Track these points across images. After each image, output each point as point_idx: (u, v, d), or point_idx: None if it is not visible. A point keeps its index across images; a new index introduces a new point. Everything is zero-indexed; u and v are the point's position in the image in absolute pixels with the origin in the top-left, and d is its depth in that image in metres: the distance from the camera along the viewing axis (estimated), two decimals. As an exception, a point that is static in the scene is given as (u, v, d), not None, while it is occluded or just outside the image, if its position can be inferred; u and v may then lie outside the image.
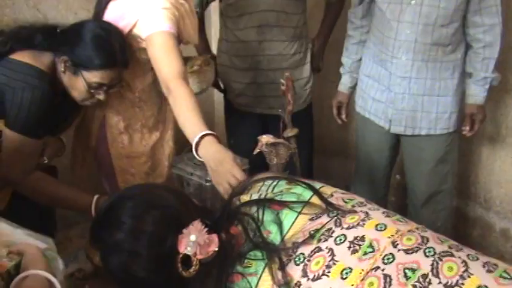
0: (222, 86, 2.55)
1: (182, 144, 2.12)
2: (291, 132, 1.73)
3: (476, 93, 2.12)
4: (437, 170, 2.23)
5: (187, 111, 1.50)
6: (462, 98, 2.17)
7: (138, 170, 1.88)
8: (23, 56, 1.58)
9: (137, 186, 1.32)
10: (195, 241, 1.06)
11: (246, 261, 1.08)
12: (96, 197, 1.67)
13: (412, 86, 2.10)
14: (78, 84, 1.65)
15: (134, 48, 1.75)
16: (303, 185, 1.21)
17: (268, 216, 1.13)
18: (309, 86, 2.49)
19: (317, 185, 1.23)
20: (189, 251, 1.06)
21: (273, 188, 1.23)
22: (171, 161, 1.95)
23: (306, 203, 1.15)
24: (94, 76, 1.64)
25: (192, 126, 1.46)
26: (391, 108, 2.17)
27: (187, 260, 1.08)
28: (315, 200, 1.16)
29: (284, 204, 1.15)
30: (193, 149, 1.42)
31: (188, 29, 1.77)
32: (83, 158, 1.92)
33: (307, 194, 1.17)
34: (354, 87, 2.39)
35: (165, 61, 1.60)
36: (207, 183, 1.85)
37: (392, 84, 2.14)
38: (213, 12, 2.94)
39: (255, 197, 1.21)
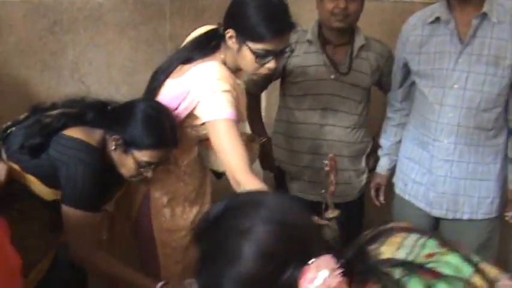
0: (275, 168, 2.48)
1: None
2: (332, 213, 1.69)
3: (519, 179, 2.08)
4: (478, 257, 2.15)
5: None
6: (505, 183, 2.13)
7: (178, 243, 1.85)
8: (75, 132, 1.62)
9: (255, 193, 1.12)
10: (324, 279, 0.86)
11: None
12: (160, 284, 1.66)
13: (454, 169, 2.07)
14: (128, 162, 1.67)
15: (186, 125, 1.75)
16: (461, 256, 0.97)
17: (415, 287, 0.90)
18: (365, 177, 2.44)
19: (473, 257, 0.99)
20: None
21: (422, 247, 0.99)
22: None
23: (466, 283, 0.92)
24: (144, 155, 1.65)
25: None
26: (432, 191, 2.13)
27: None
28: (477, 280, 0.93)
29: (440, 276, 0.91)
30: None
31: (242, 109, 1.78)
32: (121, 231, 1.91)
33: (466, 270, 0.94)
34: (392, 169, 2.36)
35: (231, 152, 1.60)
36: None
37: (433, 167, 2.11)
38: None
39: (401, 255, 0.97)
